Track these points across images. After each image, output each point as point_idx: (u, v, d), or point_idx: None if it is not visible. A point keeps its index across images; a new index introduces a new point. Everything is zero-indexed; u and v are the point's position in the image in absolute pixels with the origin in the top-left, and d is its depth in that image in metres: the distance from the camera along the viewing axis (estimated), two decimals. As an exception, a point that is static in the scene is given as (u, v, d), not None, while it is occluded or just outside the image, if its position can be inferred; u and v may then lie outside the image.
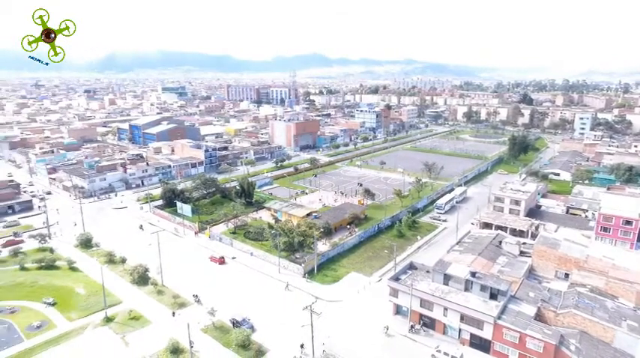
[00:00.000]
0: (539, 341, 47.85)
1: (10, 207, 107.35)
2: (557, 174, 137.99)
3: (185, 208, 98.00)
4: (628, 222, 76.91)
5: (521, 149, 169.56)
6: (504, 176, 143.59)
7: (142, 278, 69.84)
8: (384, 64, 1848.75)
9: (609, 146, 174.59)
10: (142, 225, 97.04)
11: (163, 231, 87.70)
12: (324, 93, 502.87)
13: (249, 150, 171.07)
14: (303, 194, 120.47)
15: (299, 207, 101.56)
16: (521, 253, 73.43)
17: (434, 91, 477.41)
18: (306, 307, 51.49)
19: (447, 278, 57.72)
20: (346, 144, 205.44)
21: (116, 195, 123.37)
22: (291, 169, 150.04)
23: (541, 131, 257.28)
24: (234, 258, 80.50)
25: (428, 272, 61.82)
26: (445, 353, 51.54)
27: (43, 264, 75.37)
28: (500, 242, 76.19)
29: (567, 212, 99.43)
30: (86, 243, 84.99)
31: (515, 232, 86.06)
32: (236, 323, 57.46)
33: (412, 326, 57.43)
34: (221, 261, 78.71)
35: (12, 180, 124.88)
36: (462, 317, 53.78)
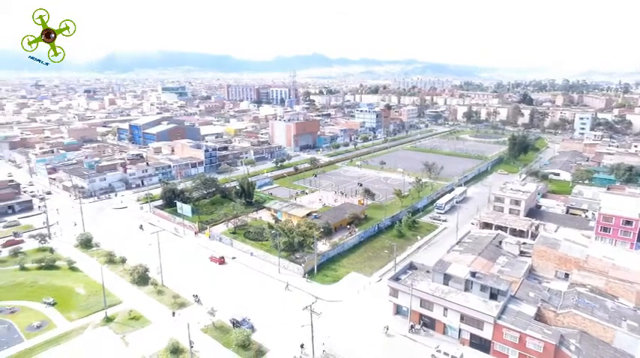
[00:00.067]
0: (539, 341, 47.86)
1: (10, 207, 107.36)
2: (557, 174, 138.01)
3: (185, 208, 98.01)
4: (628, 222, 76.92)
5: (521, 149, 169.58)
6: (504, 176, 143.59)
7: (142, 278, 69.83)
8: (384, 64, 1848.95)
9: (609, 146, 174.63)
10: (141, 225, 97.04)
11: (163, 231, 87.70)
12: (324, 93, 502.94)
13: (249, 150, 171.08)
14: (303, 194, 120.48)
15: (299, 207, 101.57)
16: (521, 253, 73.44)
17: (434, 91, 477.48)
18: (306, 307, 51.49)
19: (447, 278, 57.73)
20: (346, 144, 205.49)
21: (116, 195, 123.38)
22: (291, 169, 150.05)
23: (541, 131, 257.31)
24: (234, 258, 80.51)
25: (428, 272, 61.83)
26: (445, 353, 51.54)
27: (43, 264, 75.38)
28: (500, 242, 76.20)
29: (567, 212, 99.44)
30: (86, 243, 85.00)
31: (515, 232, 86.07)
32: (236, 323, 57.47)
33: (412, 326, 57.44)
34: (221, 260, 78.72)
35: (12, 180, 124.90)
36: (462, 317, 53.79)
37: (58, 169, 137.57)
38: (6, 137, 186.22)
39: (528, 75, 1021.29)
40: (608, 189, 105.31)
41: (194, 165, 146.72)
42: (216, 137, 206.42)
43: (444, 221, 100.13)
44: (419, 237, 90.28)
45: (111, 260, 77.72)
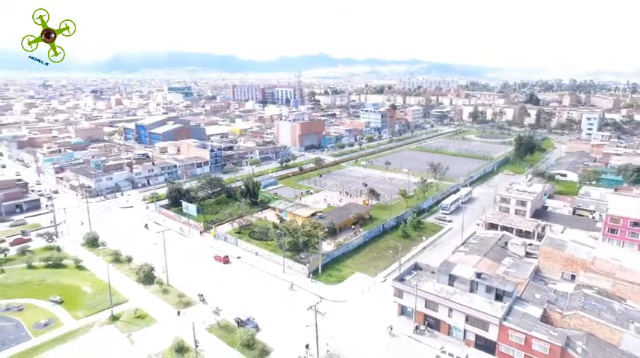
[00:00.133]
0: (545, 343, 47.54)
1: (18, 206, 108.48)
2: (564, 175, 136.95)
3: (190, 208, 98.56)
4: (636, 224, 76.12)
5: (527, 149, 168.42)
6: (510, 176, 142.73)
7: (147, 277, 70.27)
8: (390, 64, 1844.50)
9: (617, 147, 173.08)
10: (146, 224, 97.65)
11: (169, 231, 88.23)
12: (329, 93, 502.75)
13: (255, 150, 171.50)
14: (308, 194, 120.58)
15: (304, 207, 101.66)
16: (527, 254, 72.97)
17: (439, 91, 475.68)
18: (311, 307, 51.55)
19: (452, 279, 57.52)
20: (351, 145, 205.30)
21: (122, 194, 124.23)
22: (296, 169, 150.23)
23: (548, 131, 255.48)
24: (239, 257, 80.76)
25: (433, 272, 61.63)
26: (450, 354, 51.35)
27: (50, 262, 76.12)
28: (506, 243, 75.76)
29: (574, 213, 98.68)
30: (93, 242, 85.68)
31: (521, 233, 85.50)
32: (241, 323, 57.69)
33: (417, 327, 57.29)
34: (225, 260, 79.02)
35: (20, 179, 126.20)
36: (467, 318, 53.55)
37: (65, 168, 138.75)
38: (14, 137, 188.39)
39: (535, 75, 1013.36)
40: (616, 190, 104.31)
41: (199, 165, 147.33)
42: (222, 137, 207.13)
43: (450, 221, 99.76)
44: (424, 238, 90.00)
45: (117, 259, 78.28)
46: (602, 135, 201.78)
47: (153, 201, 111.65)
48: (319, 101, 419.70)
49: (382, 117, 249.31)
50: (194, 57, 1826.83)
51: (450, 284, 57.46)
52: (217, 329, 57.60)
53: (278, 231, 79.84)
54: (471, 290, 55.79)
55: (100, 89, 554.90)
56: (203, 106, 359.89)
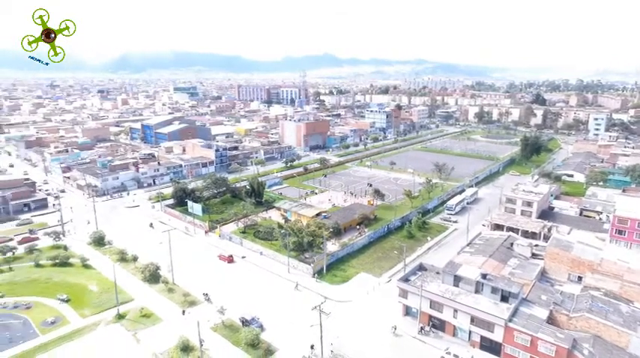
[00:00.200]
0: (552, 345, 47.19)
1: (25, 204, 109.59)
2: (571, 176, 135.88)
3: (196, 207, 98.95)
4: (644, 225, 75.30)
5: (533, 150, 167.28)
6: (516, 177, 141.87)
7: (153, 276, 70.70)
8: (395, 64, 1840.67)
9: (625, 147, 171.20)
10: (152, 223, 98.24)
11: (174, 230, 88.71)
12: (334, 93, 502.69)
13: (260, 150, 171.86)
14: (313, 194, 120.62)
15: (308, 207, 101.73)
16: (533, 255, 72.50)
17: (445, 91, 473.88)
18: (316, 307, 51.55)
19: (457, 280, 57.28)
20: (356, 145, 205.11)
21: (128, 193, 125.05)
22: (301, 169, 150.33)
23: (554, 132, 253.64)
24: (243, 257, 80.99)
25: (438, 273, 61.41)
26: (455, 355, 51.17)
27: (57, 261, 76.80)
28: (512, 244, 75.33)
29: (581, 214, 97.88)
30: (99, 241, 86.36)
31: (527, 234, 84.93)
32: (245, 322, 57.84)
33: (422, 328, 57.12)
34: (230, 259, 79.30)
35: (27, 179, 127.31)
36: (473, 319, 53.30)
37: (72, 168, 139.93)
38: (22, 136, 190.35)
39: (541, 75, 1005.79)
40: (624, 191, 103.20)
41: (205, 165, 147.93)
42: (227, 137, 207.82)
43: (455, 222, 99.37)
44: (429, 238, 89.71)
45: (123, 258, 78.84)
46: (610, 136, 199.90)
47: (158, 201, 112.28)
48: (324, 101, 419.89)
49: (387, 117, 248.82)
50: (200, 57, 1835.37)
51: (455, 285, 57.22)
52: (222, 328, 57.81)
53: (283, 231, 79.98)
54: (477, 291, 55.52)
55: (107, 89, 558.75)
56: (208, 106, 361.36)
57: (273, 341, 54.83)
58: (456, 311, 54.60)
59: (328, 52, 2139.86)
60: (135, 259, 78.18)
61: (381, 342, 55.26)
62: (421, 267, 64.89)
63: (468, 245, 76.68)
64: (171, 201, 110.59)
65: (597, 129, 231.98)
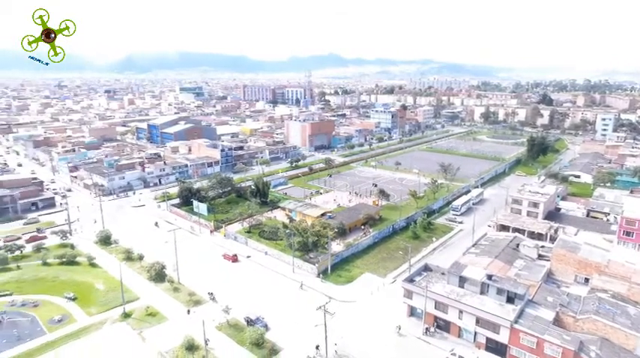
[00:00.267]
0: (558, 347, 46.84)
1: (33, 203, 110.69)
2: (578, 177, 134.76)
3: (201, 207, 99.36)
4: (652, 227, 74.52)
5: (540, 150, 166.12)
6: (522, 178, 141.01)
7: (159, 275, 71.10)
8: (400, 64, 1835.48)
9: (633, 148, 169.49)
10: (157, 222, 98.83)
11: (180, 230, 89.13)
12: (340, 93, 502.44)
13: (265, 150, 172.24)
14: (318, 194, 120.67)
15: (313, 207, 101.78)
16: (540, 257, 72.02)
17: (450, 91, 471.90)
18: (320, 307, 51.59)
19: (462, 281, 57.03)
20: (361, 145, 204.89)
21: (134, 193, 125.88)
22: (306, 169, 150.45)
23: (561, 132, 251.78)
24: (248, 256, 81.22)
25: (443, 274, 61.18)
26: (460, 357, 50.97)
27: (64, 259, 77.50)
28: (518, 245, 74.87)
29: (588, 215, 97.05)
30: (105, 240, 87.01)
31: (533, 235, 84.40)
32: (250, 322, 58.01)
33: (427, 329, 56.93)
34: (234, 258, 79.58)
35: (35, 178, 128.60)
36: (478, 321, 53.04)
37: (79, 167, 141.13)
38: (30, 136, 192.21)
39: (548, 75, 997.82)
40: (632, 192, 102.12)
41: (210, 165, 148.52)
42: (232, 137, 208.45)
43: (460, 223, 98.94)
44: (434, 239, 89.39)
45: (129, 257, 79.38)
46: (618, 136, 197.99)
47: (164, 200, 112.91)
48: (329, 101, 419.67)
49: (392, 117, 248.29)
50: (206, 57, 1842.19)
51: (461, 285, 56.98)
52: (227, 327, 58.02)
53: (287, 231, 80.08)
54: (482, 293, 55.25)
55: (114, 89, 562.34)
56: (214, 106, 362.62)
57: (278, 341, 54.95)
58: (461, 312, 54.37)
59: (333, 52, 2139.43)
60: (141, 258, 78.71)
61: (386, 343, 55.17)
62: (426, 268, 64.68)
63: (473, 246, 76.33)
64: (176, 201, 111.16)
65: (605, 130, 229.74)
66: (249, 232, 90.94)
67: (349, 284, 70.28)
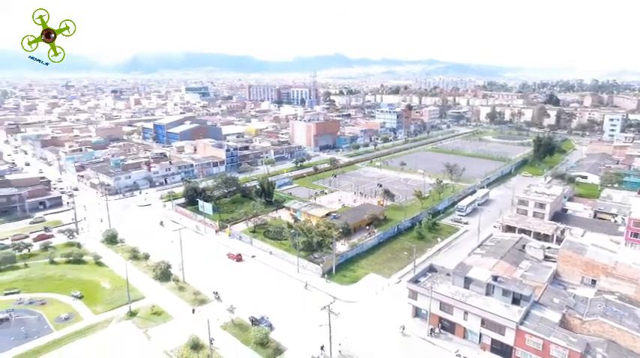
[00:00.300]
0: (564, 349, 46.49)
1: (41, 202, 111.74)
2: (585, 177, 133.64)
3: (206, 206, 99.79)
4: (660, 228, 73.74)
5: (546, 151, 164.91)
6: (528, 178, 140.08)
7: (164, 274, 71.52)
8: (406, 64, 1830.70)
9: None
10: (162, 221, 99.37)
11: (185, 229, 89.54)
12: (345, 93, 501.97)
13: (270, 150, 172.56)
14: (323, 194, 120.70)
15: (318, 207, 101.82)
16: (546, 258, 71.50)
17: (456, 92, 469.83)
18: (325, 307, 51.61)
19: (467, 282, 56.78)
20: (366, 145, 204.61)
21: (140, 192, 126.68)
22: (311, 169, 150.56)
23: (568, 132, 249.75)
24: (253, 256, 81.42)
25: (448, 275, 60.94)
26: (465, 358, 50.73)
27: (71, 258, 78.19)
28: (524, 246, 74.37)
29: (595, 216, 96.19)
30: (112, 239, 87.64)
31: (539, 236, 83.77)
32: (255, 321, 58.17)
33: (432, 330, 56.74)
34: (238, 258, 79.84)
35: (43, 177, 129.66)
36: (483, 322, 52.78)
37: (85, 167, 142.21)
38: (38, 136, 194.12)
39: (555, 75, 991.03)
40: (639, 193, 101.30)
41: (215, 165, 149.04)
42: (238, 137, 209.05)
43: (466, 223, 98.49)
44: (439, 240, 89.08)
45: (135, 256, 79.90)
46: (626, 137, 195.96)
47: (170, 200, 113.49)
48: (334, 101, 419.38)
49: (398, 117, 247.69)
50: (211, 57, 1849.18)
51: (466, 286, 56.72)
52: (232, 327, 58.21)
53: (292, 231, 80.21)
54: (487, 294, 54.97)
55: (120, 89, 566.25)
56: (219, 106, 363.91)
57: (282, 341, 55.04)
58: (466, 313, 54.14)
59: (339, 52, 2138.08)
60: (146, 257, 79.22)
61: (390, 343, 55.08)
62: (431, 269, 64.47)
63: (478, 246, 75.95)
64: (182, 200, 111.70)
65: (612, 130, 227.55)
66: (254, 232, 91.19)
67: (354, 285, 70.23)
